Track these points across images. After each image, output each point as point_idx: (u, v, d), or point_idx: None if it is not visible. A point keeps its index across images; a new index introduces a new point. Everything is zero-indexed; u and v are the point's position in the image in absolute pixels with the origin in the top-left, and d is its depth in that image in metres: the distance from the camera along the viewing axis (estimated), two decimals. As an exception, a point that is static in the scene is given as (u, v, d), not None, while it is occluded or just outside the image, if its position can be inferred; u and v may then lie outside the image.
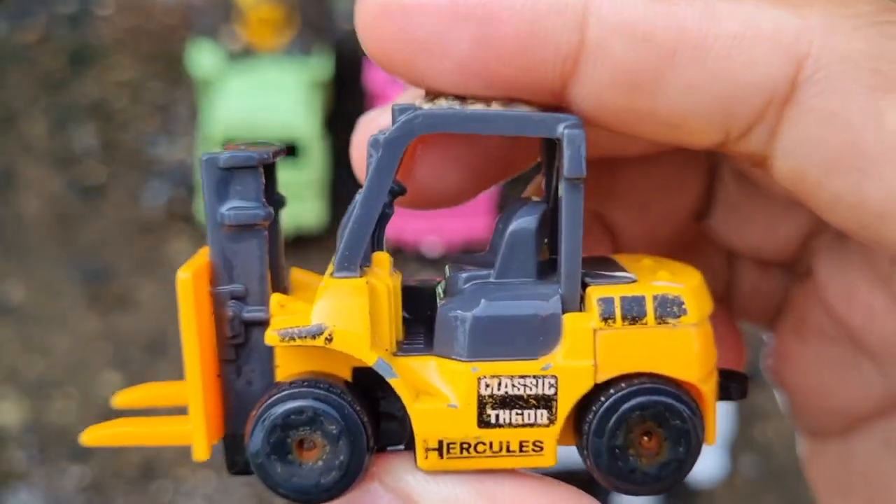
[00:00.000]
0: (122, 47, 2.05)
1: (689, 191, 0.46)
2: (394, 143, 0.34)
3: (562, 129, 0.34)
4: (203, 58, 1.73)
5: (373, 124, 0.39)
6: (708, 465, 1.48)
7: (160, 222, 1.81)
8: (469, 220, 1.67)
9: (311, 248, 1.64)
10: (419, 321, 0.38)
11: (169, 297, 1.72)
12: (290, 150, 1.70)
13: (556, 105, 0.35)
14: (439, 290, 0.38)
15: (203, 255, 0.37)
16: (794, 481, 1.52)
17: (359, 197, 0.36)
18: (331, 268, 0.36)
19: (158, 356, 1.59)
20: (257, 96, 1.69)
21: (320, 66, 1.73)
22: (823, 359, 0.44)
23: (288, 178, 1.73)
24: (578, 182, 0.34)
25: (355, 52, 1.79)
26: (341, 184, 1.81)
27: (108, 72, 2.06)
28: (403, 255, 1.70)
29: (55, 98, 2.00)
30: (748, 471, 1.53)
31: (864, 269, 0.41)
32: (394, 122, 0.35)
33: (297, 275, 0.41)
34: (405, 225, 1.63)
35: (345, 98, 1.80)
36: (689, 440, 0.34)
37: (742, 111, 0.31)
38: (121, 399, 0.42)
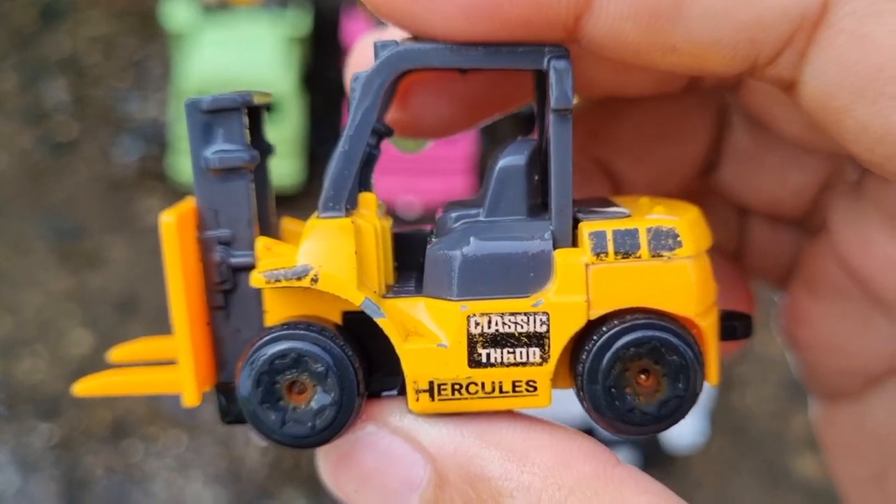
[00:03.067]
0: (95, 2, 2.01)
1: (696, 138, 0.44)
2: (375, 80, 0.34)
3: (547, 61, 0.33)
4: (177, 11, 1.70)
5: (368, 51, 0.37)
6: (686, 432, 1.48)
7: (132, 179, 1.79)
8: (447, 180, 1.65)
9: (288, 206, 1.61)
10: (411, 268, 0.38)
11: (140, 255, 1.71)
12: (266, 107, 1.68)
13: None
14: (429, 236, 0.37)
15: (189, 202, 0.36)
16: (771, 448, 1.52)
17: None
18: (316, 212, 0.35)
19: (129, 315, 1.57)
20: (232, 51, 1.66)
21: (297, 21, 1.70)
22: (838, 316, 0.43)
23: (264, 135, 1.71)
24: (567, 114, 0.33)
25: (333, 6, 1.76)
26: (319, 141, 1.78)
27: (80, 26, 2.03)
28: (381, 216, 1.69)
29: (26, 53, 1.97)
30: (726, 438, 1.53)
31: (882, 219, 0.39)
32: (375, 59, 0.34)
33: (288, 224, 0.41)
34: (381, 184, 1.61)
35: (322, 54, 1.78)
36: (689, 376, 0.33)
37: (770, 37, 0.30)
38: (117, 354, 0.41)
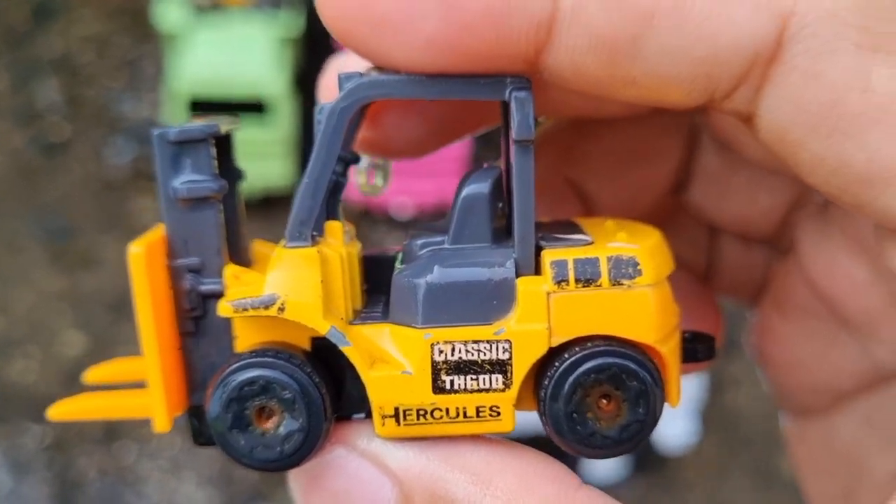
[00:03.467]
0: (87, 1, 2.01)
1: (666, 159, 0.44)
2: (339, 112, 0.34)
3: (509, 92, 0.33)
4: (170, 12, 1.70)
5: (342, 68, 0.37)
6: (678, 433, 1.48)
7: (125, 180, 1.79)
8: (440, 182, 1.66)
9: (279, 207, 1.62)
10: (381, 290, 0.38)
11: (133, 255, 1.70)
12: (258, 108, 1.68)
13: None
14: (398, 258, 0.38)
15: (159, 230, 0.36)
16: (763, 449, 1.52)
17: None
18: (284, 240, 0.36)
19: (122, 316, 1.56)
20: (225, 52, 1.66)
21: (290, 22, 1.70)
22: (806, 335, 0.43)
23: (256, 136, 1.72)
24: (528, 144, 0.34)
25: (327, 8, 1.76)
26: (311, 143, 1.78)
27: (72, 26, 2.02)
28: (372, 218, 1.69)
29: (18, 53, 1.96)
30: (718, 438, 1.53)
31: (847, 241, 0.40)
32: (340, 90, 0.34)
33: (258, 247, 0.41)
34: (375, 186, 1.62)
35: (315, 55, 1.78)
36: (648, 401, 0.34)
37: (726, 72, 0.31)
38: (92, 375, 0.41)
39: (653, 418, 0.34)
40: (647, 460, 1.47)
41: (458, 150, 1.66)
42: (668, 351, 0.35)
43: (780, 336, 0.45)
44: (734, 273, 0.47)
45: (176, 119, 1.67)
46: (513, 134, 0.33)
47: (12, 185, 1.76)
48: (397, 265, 0.37)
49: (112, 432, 1.46)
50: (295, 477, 0.36)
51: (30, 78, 1.94)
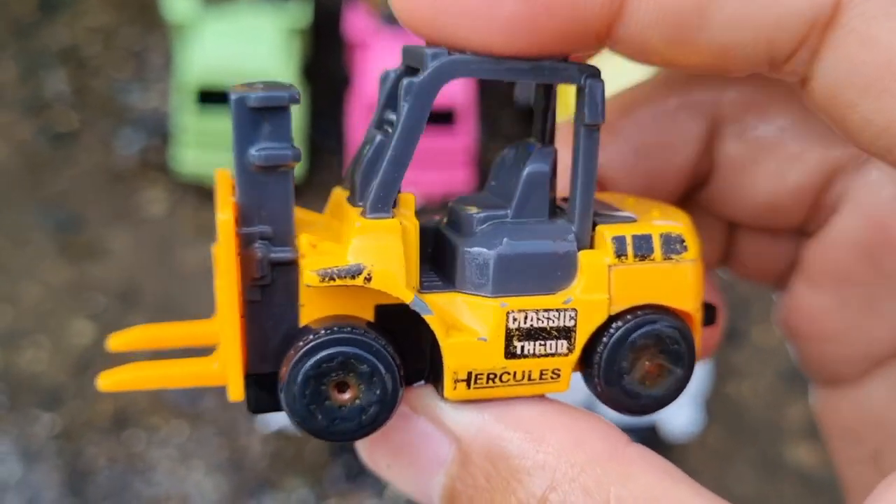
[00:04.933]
0: (94, -9, 2.02)
1: (687, 147, 0.45)
2: (427, 88, 0.35)
3: (584, 78, 0.36)
4: (178, 2, 1.70)
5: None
6: (682, 421, 1.49)
7: (133, 171, 1.79)
8: (447, 173, 1.66)
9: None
10: (422, 259, 0.40)
11: (142, 246, 1.71)
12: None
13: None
14: (443, 230, 0.39)
15: (227, 196, 0.36)
16: (767, 438, 1.53)
17: (379, 138, 0.38)
18: (348, 207, 0.37)
19: (130, 306, 1.57)
20: (233, 43, 1.67)
21: (298, 13, 1.71)
22: (840, 305, 0.44)
23: (264, 126, 1.71)
24: (596, 128, 0.36)
25: (335, -2, 1.76)
26: (319, 134, 1.79)
27: (79, 16, 2.03)
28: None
29: (25, 43, 1.96)
30: (722, 426, 1.54)
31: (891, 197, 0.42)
32: (425, 67, 0.35)
33: (299, 214, 0.42)
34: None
35: (323, 47, 1.78)
36: (685, 361, 0.38)
37: (786, 37, 0.32)
38: (116, 342, 0.42)
39: (688, 376, 0.38)
40: (653, 447, 1.47)
41: (464, 142, 1.66)
42: (699, 317, 0.39)
43: (814, 310, 0.45)
44: (756, 263, 0.48)
45: (183, 110, 1.68)
46: (585, 118, 0.36)
47: (19, 176, 1.76)
48: (447, 236, 0.39)
49: (121, 421, 1.47)
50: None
51: (37, 69, 1.94)
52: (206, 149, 1.69)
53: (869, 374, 0.45)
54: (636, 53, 0.35)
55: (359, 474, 1.43)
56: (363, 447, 0.39)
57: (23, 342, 1.54)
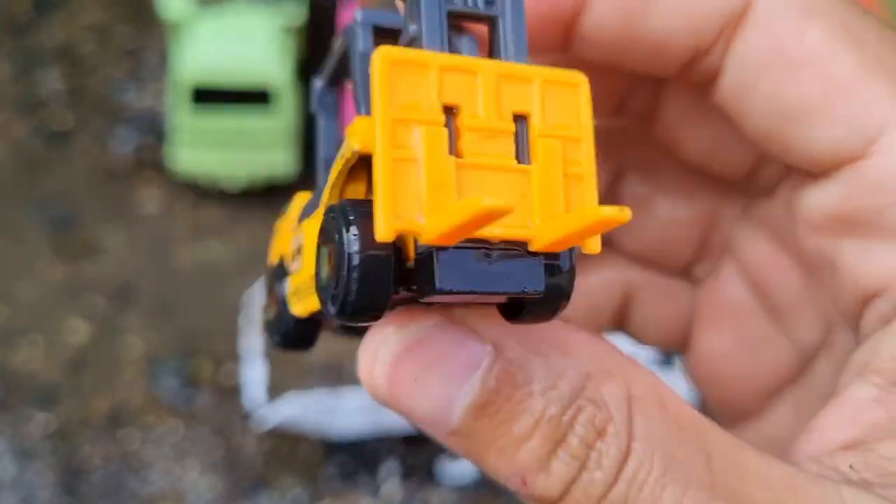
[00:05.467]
0: (89, -10, 2.01)
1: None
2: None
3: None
4: (172, 1, 1.69)
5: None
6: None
7: (128, 169, 1.79)
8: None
9: (283, 197, 1.62)
10: None
11: (137, 245, 1.71)
12: (261, 98, 1.68)
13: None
14: None
15: None
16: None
17: None
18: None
19: (125, 305, 1.57)
20: (228, 41, 1.66)
21: (293, 11, 1.70)
22: (737, 342, 0.46)
23: (259, 125, 1.72)
24: None
25: (329, -3, 1.76)
26: (314, 131, 1.78)
27: (74, 15, 2.02)
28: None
29: (20, 42, 1.96)
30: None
31: (770, 231, 0.44)
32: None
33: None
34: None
35: (317, 44, 1.78)
36: None
37: (708, 28, 0.37)
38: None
39: None
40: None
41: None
42: None
43: (713, 354, 0.47)
44: (655, 318, 0.49)
45: (178, 109, 1.68)
46: None
47: (14, 175, 1.76)
48: None
49: (116, 419, 1.46)
50: (384, 345, 0.36)
51: (32, 67, 1.94)
52: (200, 147, 1.69)
53: (768, 406, 0.46)
54: (592, 48, 0.38)
55: (353, 473, 1.43)
56: (383, 363, 0.36)
57: (17, 341, 1.54)
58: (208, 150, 1.69)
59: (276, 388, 1.42)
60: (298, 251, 0.37)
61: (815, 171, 0.39)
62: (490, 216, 0.26)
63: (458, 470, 1.43)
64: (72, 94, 1.90)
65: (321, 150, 0.38)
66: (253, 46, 1.66)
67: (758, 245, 0.45)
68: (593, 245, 0.31)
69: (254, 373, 1.45)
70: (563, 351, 0.35)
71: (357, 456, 1.44)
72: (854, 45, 0.37)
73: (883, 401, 0.37)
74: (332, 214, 0.30)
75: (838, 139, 0.37)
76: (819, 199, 0.40)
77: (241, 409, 1.46)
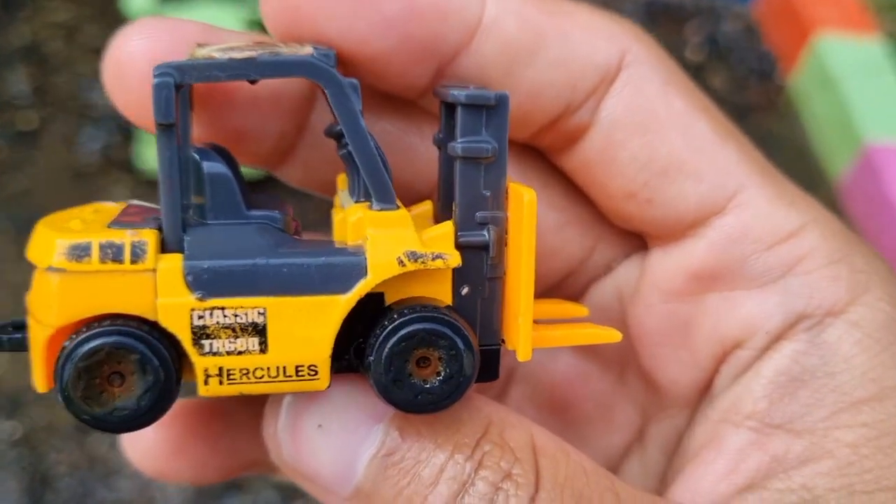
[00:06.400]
0: (55, -13, 1.99)
1: None
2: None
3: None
4: (135, -3, 1.67)
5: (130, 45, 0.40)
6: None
7: (96, 169, 1.76)
8: None
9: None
10: None
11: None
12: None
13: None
14: None
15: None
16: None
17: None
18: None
19: (94, 307, 1.55)
20: (193, 36, 1.64)
21: (257, 5, 1.68)
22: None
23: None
24: (164, 127, 0.37)
25: (294, -11, 1.74)
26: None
27: (40, 13, 2.00)
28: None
29: (-14, 41, 1.94)
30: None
31: (651, 284, 0.46)
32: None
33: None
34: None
35: (284, 38, 1.76)
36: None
37: (584, 83, 0.40)
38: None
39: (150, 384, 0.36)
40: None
41: None
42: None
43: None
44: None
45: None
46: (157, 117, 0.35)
47: (-19, 177, 1.74)
48: None
49: (83, 426, 1.44)
50: (286, 405, 0.38)
51: (-3, 66, 1.91)
52: (168, 145, 1.67)
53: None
54: (469, 80, 0.40)
55: (326, 475, 1.41)
56: (291, 415, 0.38)
57: (-17, 347, 1.51)
58: (175, 147, 1.67)
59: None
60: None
61: (675, 231, 0.42)
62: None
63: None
64: (37, 94, 1.87)
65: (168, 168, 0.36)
66: (218, 41, 1.64)
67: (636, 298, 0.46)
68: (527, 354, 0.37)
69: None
70: (464, 407, 0.36)
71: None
72: (706, 113, 0.41)
73: (761, 444, 0.40)
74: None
75: (704, 193, 0.40)
76: (681, 258, 0.42)
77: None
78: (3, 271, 1.60)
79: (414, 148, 0.42)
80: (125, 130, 1.80)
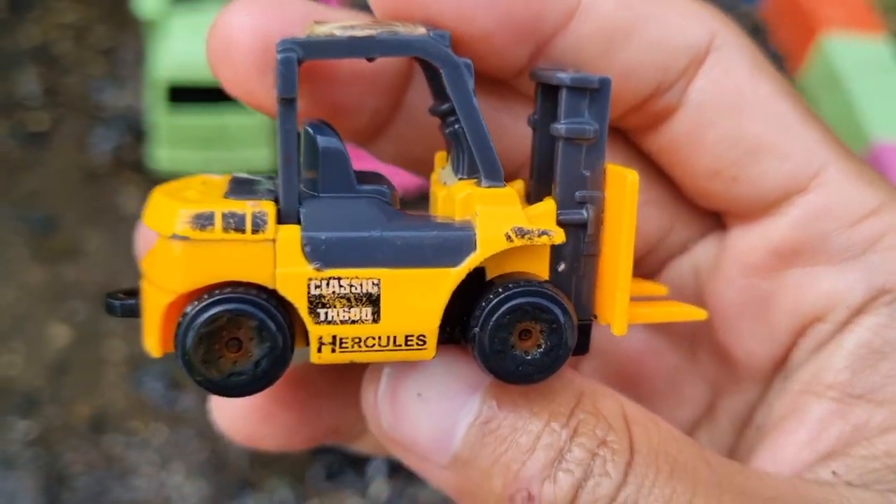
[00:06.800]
0: (64, -12, 2.00)
1: None
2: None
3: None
4: (146, -2, 1.68)
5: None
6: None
7: (108, 170, 1.77)
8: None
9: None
10: None
11: (118, 246, 1.69)
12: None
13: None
14: None
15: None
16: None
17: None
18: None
19: (107, 307, 1.55)
20: (203, 37, 1.64)
21: (270, 6, 1.68)
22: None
23: (236, 122, 1.70)
24: (286, 101, 0.36)
25: (305, -10, 1.74)
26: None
27: (50, 14, 2.00)
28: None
29: (-4, 42, 1.94)
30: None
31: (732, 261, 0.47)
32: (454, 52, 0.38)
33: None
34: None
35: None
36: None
37: (677, 65, 0.41)
38: None
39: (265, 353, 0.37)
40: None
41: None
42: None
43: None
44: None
45: (155, 108, 1.66)
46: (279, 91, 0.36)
47: (-7, 177, 1.74)
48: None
49: (98, 425, 1.45)
50: (385, 375, 0.39)
51: (7, 68, 1.91)
52: (179, 146, 1.67)
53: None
54: (564, 61, 0.40)
55: (340, 473, 1.41)
56: (391, 385, 0.39)
57: (-3, 347, 1.52)
58: (187, 148, 1.67)
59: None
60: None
61: (758, 208, 0.43)
62: None
63: (446, 467, 1.42)
64: (48, 94, 1.88)
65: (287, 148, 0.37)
66: (229, 42, 1.65)
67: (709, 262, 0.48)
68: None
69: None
70: (556, 379, 0.37)
71: (343, 455, 1.43)
72: (790, 95, 0.42)
73: (843, 413, 0.41)
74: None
75: (788, 172, 0.42)
76: (763, 235, 0.43)
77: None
78: (16, 270, 1.61)
79: (504, 127, 0.43)
80: (136, 131, 1.80)
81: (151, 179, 1.72)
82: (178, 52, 1.63)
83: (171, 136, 1.67)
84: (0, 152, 1.78)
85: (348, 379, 0.44)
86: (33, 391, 1.47)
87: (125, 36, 1.95)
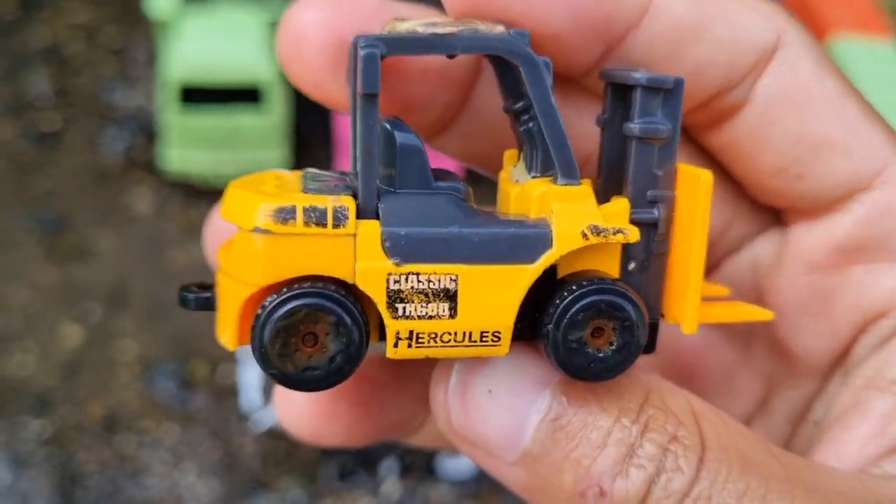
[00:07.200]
0: (75, -11, 2.00)
1: None
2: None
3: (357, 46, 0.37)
4: (159, -1, 1.68)
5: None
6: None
7: (119, 170, 1.77)
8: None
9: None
10: None
11: (129, 246, 1.70)
12: (251, 96, 1.67)
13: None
14: None
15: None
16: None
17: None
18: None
19: (119, 308, 1.56)
20: (216, 39, 1.65)
21: (280, 7, 1.69)
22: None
23: (248, 123, 1.70)
24: (369, 97, 0.36)
25: (317, -9, 1.75)
26: (305, 128, 1.77)
27: (61, 15, 2.01)
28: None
29: (6, 43, 1.95)
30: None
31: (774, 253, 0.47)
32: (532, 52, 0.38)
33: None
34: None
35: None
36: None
37: (746, 61, 0.41)
38: None
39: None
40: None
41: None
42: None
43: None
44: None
45: (167, 108, 1.66)
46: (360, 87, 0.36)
47: (3, 178, 1.75)
48: None
49: (111, 424, 1.45)
50: (455, 372, 0.39)
51: (18, 68, 1.92)
52: (191, 147, 1.67)
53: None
54: (634, 60, 0.40)
55: (352, 473, 1.42)
56: (461, 382, 0.39)
57: (9, 347, 1.52)
58: (199, 148, 1.67)
59: (273, 390, 1.41)
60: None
61: (822, 205, 0.43)
62: None
63: (456, 466, 1.43)
64: (60, 95, 1.88)
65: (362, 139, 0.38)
66: (241, 44, 1.65)
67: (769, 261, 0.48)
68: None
69: (250, 375, 1.44)
70: (623, 376, 0.37)
71: (355, 455, 1.43)
72: (854, 93, 0.43)
73: None
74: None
75: (852, 169, 0.42)
76: (826, 231, 0.43)
77: (238, 410, 1.45)
78: (29, 270, 1.61)
79: (572, 125, 0.44)
80: (147, 132, 1.81)
81: (163, 180, 1.72)
82: (190, 52, 1.63)
83: (183, 136, 1.67)
84: (11, 153, 1.78)
85: (409, 374, 0.44)
86: (46, 391, 1.48)
87: (136, 36, 1.95)
